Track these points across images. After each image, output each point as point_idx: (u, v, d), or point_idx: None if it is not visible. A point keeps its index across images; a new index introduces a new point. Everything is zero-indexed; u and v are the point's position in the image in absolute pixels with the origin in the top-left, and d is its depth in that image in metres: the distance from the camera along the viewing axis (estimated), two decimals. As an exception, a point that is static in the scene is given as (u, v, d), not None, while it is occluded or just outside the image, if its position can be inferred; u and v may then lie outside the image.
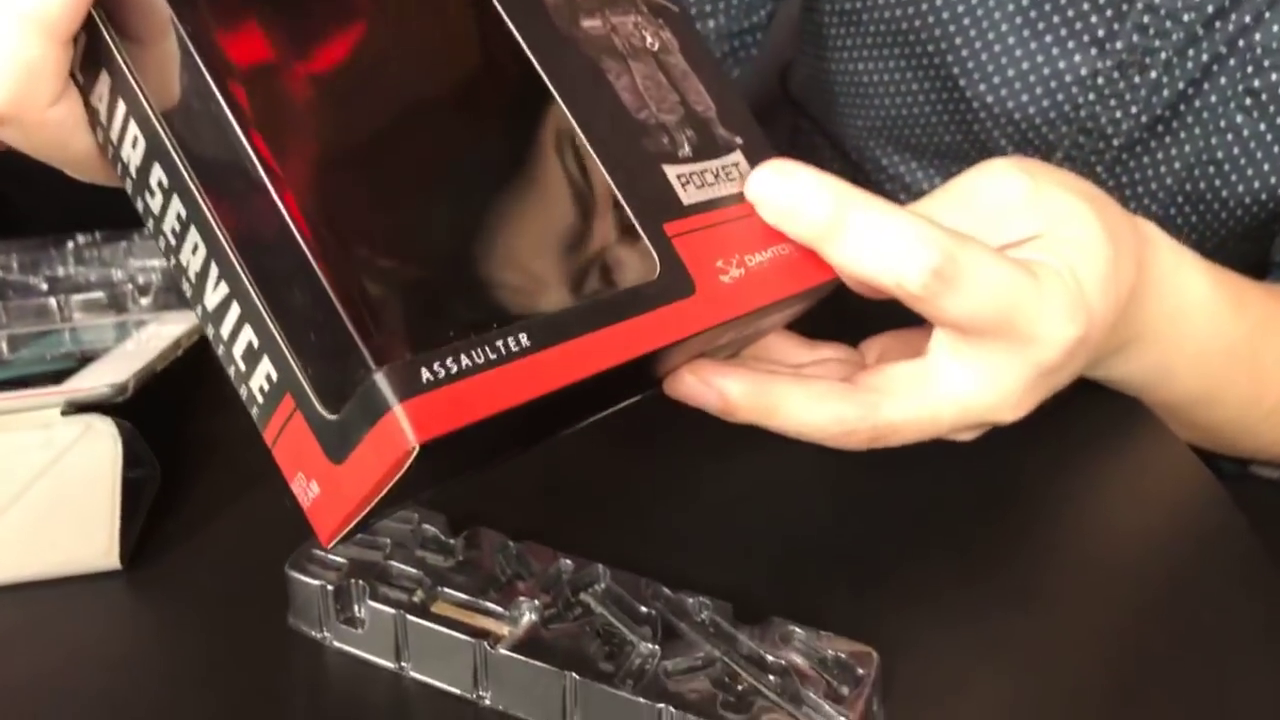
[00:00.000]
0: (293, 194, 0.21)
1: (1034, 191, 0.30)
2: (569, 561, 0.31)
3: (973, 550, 0.34)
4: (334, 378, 0.21)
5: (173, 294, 0.49)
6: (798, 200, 0.27)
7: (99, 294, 0.48)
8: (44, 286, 0.49)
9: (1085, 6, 0.46)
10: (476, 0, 0.26)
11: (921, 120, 0.54)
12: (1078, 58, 0.47)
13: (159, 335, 0.42)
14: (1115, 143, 0.48)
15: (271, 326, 0.21)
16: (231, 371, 0.23)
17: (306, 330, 0.21)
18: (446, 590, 0.30)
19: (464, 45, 0.26)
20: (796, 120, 0.63)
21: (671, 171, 0.28)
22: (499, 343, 0.22)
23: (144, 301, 0.48)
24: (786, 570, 0.33)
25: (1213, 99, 0.45)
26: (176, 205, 0.23)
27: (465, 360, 0.21)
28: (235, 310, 0.22)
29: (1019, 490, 0.37)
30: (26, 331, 0.45)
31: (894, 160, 0.56)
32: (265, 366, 0.22)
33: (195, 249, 0.23)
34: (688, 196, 0.28)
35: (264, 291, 0.22)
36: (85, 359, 0.40)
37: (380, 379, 0.20)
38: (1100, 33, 0.46)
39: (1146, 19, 0.45)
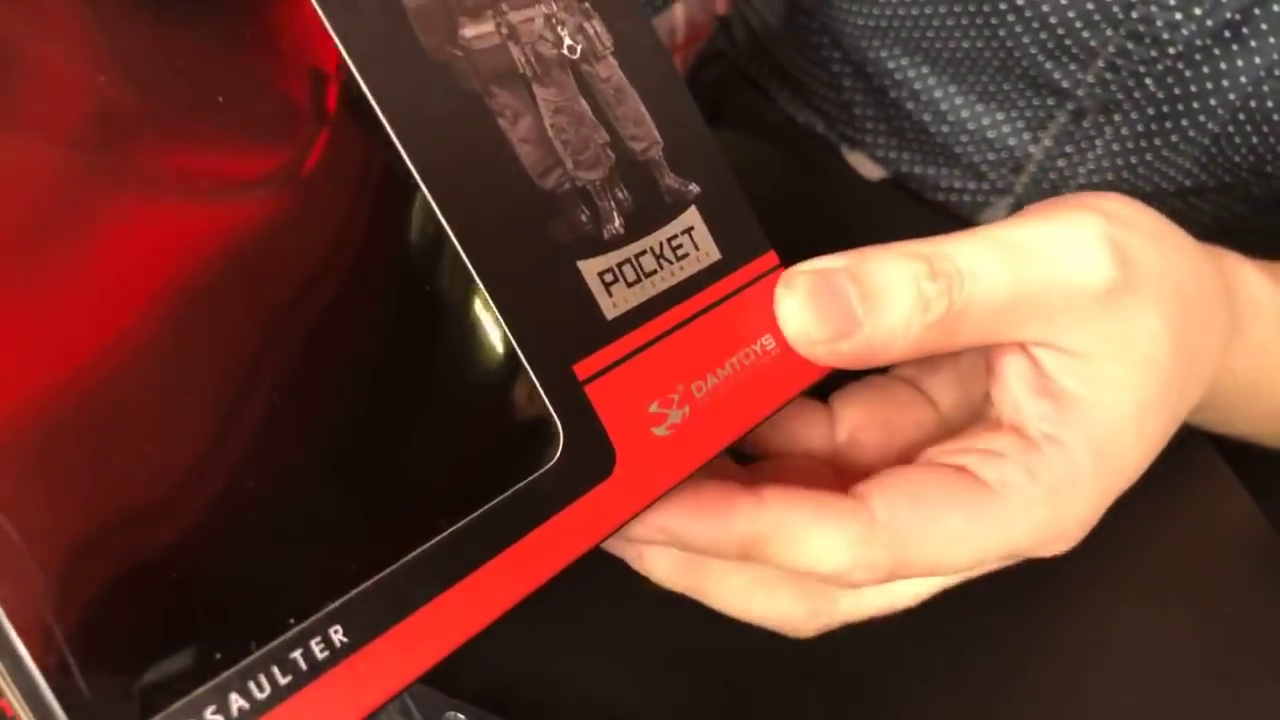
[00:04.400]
0: None
1: (1117, 296, 0.22)
2: (461, 716, 0.24)
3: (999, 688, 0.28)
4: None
5: None
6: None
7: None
8: None
9: None
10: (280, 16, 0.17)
11: (935, 21, 0.43)
12: None
13: None
14: (1171, 50, 0.39)
15: None
16: None
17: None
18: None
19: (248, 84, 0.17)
20: (793, 11, 0.51)
21: (591, 269, 0.19)
22: (295, 654, 0.14)
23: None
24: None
25: None
26: None
27: (239, 704, 0.14)
28: None
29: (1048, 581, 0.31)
30: None
31: (902, 65, 0.46)
32: None
33: None
34: (614, 305, 0.19)
35: None
36: None
37: None
38: None
39: None
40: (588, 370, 0.19)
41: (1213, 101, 0.39)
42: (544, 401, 0.18)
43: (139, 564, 0.14)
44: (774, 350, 0.22)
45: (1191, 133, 0.40)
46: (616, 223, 0.20)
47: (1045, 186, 0.46)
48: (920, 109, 0.46)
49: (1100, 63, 0.40)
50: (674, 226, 0.21)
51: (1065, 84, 0.41)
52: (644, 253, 0.20)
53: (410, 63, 0.18)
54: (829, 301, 0.20)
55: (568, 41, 0.20)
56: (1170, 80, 0.39)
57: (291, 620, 0.14)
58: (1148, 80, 0.40)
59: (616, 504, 0.18)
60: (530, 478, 0.17)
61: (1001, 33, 0.42)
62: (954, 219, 0.49)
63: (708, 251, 0.21)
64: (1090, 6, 0.39)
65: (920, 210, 0.49)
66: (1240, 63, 0.38)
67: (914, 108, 0.46)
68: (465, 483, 0.17)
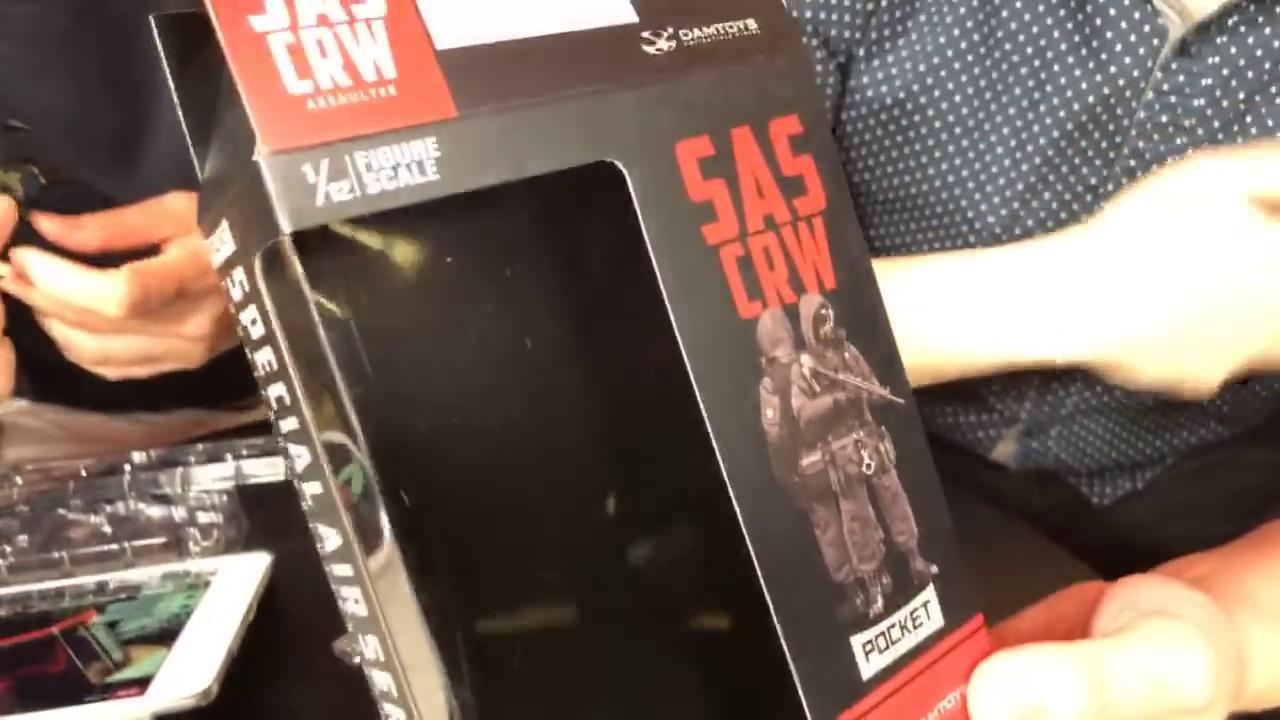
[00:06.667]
0: None
1: (1195, 713, 0.29)
2: None
3: None
4: None
5: (231, 526, 0.53)
6: None
7: (160, 538, 0.51)
8: (107, 529, 0.52)
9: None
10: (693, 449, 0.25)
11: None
12: (1064, 169, 0.52)
13: (230, 596, 0.44)
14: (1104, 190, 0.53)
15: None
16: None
17: None
18: None
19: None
20: None
21: (858, 640, 0.27)
22: None
23: (206, 544, 0.51)
24: None
25: None
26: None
27: None
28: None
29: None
30: (92, 580, 0.49)
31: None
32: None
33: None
34: (869, 668, 0.27)
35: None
36: (163, 634, 0.43)
37: None
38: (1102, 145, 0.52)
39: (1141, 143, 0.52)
40: (844, 723, 0.26)
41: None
42: (815, 749, 0.25)
43: None
44: (959, 703, 0.29)
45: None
46: (879, 603, 0.27)
47: (1045, 409, 0.53)
48: None
49: (1048, 194, 0.53)
50: (916, 602, 0.28)
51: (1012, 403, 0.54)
52: (894, 625, 0.28)
53: (766, 487, 0.26)
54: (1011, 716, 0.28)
55: (867, 460, 0.28)
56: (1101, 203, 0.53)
57: None
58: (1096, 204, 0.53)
59: None
60: None
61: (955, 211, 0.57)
62: (969, 460, 0.58)
63: (935, 621, 0.29)
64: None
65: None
66: None
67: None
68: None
